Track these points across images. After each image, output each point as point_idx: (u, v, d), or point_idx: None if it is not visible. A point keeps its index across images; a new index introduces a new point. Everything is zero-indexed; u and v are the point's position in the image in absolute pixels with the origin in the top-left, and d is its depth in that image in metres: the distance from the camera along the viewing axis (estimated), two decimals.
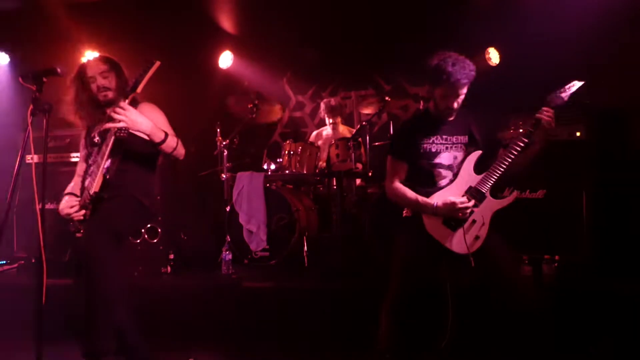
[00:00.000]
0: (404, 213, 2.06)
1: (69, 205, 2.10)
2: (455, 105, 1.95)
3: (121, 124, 1.90)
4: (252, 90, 4.56)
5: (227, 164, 3.58)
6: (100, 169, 1.99)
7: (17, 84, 4.45)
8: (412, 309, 1.95)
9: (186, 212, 3.79)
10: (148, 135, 1.97)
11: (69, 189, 2.21)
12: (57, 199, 2.56)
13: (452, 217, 1.90)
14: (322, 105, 4.17)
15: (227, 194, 3.52)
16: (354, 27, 4.38)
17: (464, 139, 2.03)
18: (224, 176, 3.54)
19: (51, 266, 1.86)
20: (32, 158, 2.31)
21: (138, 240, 3.17)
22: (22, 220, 3.54)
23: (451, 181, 2.00)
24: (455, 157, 2.01)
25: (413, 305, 1.96)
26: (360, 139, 3.50)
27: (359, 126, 3.46)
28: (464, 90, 1.92)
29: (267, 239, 3.32)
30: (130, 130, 1.96)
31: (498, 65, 3.70)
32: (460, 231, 1.90)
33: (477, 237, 1.91)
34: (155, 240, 3.22)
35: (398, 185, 2.01)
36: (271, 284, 2.88)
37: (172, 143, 2.06)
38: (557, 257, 2.57)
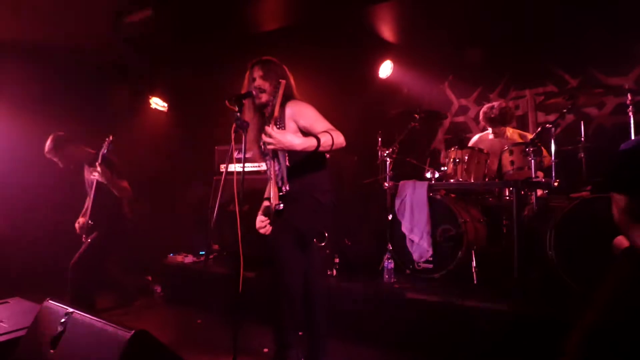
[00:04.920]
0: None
1: (260, 223, 2.30)
2: None
3: (272, 147, 2.03)
4: (412, 99, 4.51)
5: (389, 173, 3.59)
6: (273, 181, 2.19)
7: (216, 106, 5.41)
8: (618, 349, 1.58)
9: (350, 218, 3.94)
10: (303, 150, 2.03)
11: (266, 194, 2.44)
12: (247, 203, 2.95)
13: None
14: (481, 114, 3.77)
15: (390, 203, 3.52)
16: (523, 15, 3.88)
17: None
18: (387, 185, 3.56)
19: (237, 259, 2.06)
20: (234, 167, 2.58)
21: (323, 244, 3.38)
22: (217, 218, 4.22)
23: None
24: None
25: (619, 345, 1.58)
26: (539, 144, 3.07)
27: (539, 129, 3.02)
28: None
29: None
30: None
31: None
32: None
33: None
34: (323, 244, 3.43)
35: None
36: (436, 299, 2.74)
37: (327, 143, 2.04)
38: None
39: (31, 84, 4.57)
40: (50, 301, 2.07)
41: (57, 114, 4.40)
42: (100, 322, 1.80)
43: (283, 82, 2.08)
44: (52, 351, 1.85)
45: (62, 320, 1.89)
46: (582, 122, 3.14)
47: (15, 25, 4.12)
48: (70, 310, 1.93)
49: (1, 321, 2.36)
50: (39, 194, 4.46)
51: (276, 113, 2.07)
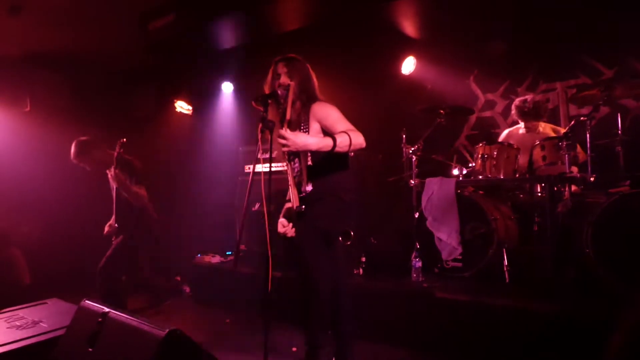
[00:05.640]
0: None
1: (282, 226, 2.30)
2: None
3: (287, 149, 2.02)
4: (436, 95, 4.42)
5: (415, 170, 3.53)
6: (291, 183, 2.19)
7: (238, 108, 5.47)
8: None
9: (375, 217, 3.90)
10: (318, 149, 2.01)
11: (287, 196, 2.42)
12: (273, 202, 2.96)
13: None
14: (514, 108, 3.66)
15: (416, 200, 3.46)
16: (551, 4, 3.74)
17: None
18: (413, 182, 3.50)
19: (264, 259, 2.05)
20: (261, 167, 2.58)
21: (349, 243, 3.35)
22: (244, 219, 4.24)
23: None
24: None
25: None
26: (573, 138, 2.95)
27: (573, 122, 2.91)
28: None
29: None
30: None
31: None
32: None
33: None
34: (348, 243, 3.40)
35: None
36: (468, 298, 2.68)
37: (344, 143, 2.02)
38: None
39: (60, 92, 4.75)
40: (87, 301, 2.13)
41: (86, 119, 4.55)
42: (135, 321, 1.84)
43: (292, 84, 2.10)
44: (89, 350, 1.90)
45: (99, 319, 1.94)
46: (618, 114, 3.00)
47: (47, 36, 4.28)
48: (107, 310, 1.98)
49: (41, 321, 2.45)
50: (74, 197, 4.61)
51: (288, 116, 2.08)
